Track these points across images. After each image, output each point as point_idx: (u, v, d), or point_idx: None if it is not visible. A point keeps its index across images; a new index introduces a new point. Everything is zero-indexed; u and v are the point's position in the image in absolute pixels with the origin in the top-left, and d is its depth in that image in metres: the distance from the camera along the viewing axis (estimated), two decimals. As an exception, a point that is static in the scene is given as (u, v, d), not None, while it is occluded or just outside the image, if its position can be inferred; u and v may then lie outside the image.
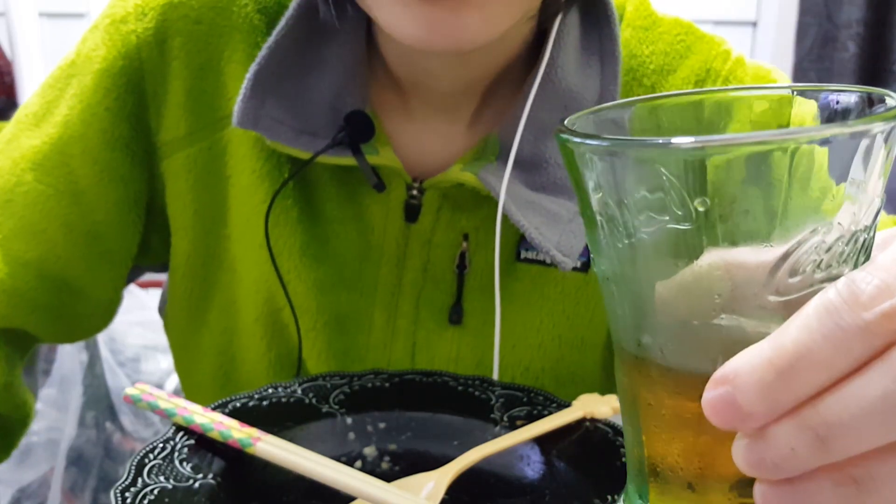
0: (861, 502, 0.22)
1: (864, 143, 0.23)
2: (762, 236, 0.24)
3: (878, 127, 0.23)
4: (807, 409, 0.21)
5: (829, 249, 0.24)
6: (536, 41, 0.57)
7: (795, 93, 0.28)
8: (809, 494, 0.22)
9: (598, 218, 0.26)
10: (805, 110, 0.28)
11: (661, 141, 0.23)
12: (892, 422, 0.20)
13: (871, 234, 0.25)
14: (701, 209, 0.23)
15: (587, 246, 0.58)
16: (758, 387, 0.21)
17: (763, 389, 0.21)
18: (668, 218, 0.24)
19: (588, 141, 0.25)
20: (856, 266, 0.24)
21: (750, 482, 0.24)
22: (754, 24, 1.87)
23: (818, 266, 0.24)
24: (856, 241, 0.24)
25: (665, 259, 0.25)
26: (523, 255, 0.59)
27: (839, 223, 0.24)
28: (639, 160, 0.24)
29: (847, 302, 0.21)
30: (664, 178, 0.24)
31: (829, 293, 0.21)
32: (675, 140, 0.23)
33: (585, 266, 0.59)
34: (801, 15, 1.80)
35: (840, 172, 0.23)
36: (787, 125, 0.28)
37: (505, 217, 0.55)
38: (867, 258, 0.25)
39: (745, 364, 0.21)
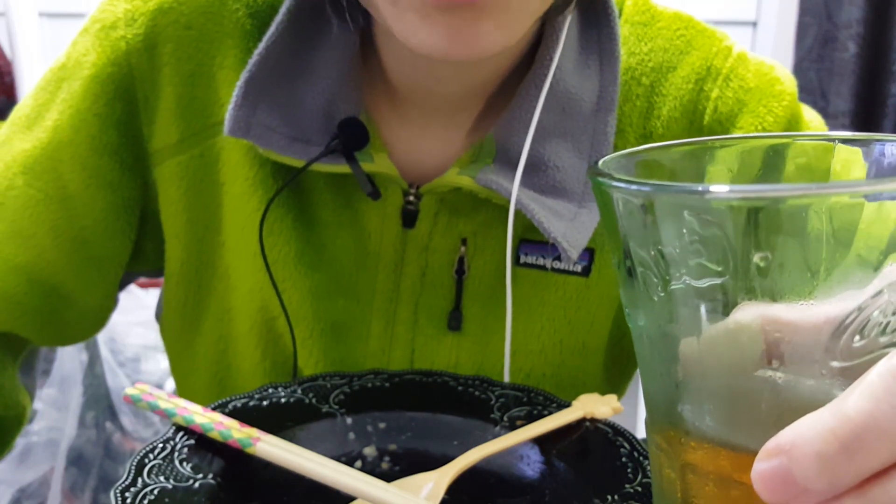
0: None
1: None
2: (803, 293, 0.22)
3: None
4: (873, 487, 0.19)
5: (895, 312, 0.22)
6: (534, 38, 0.56)
7: (837, 142, 0.27)
8: None
9: (634, 267, 0.25)
10: (850, 158, 0.27)
11: (702, 188, 0.22)
12: None
13: None
14: (762, 265, 0.22)
15: (588, 249, 0.58)
16: (817, 459, 0.19)
17: (823, 463, 0.19)
18: (708, 270, 0.23)
19: (627, 185, 0.24)
20: None
21: None
22: (754, 24, 1.87)
23: (883, 330, 0.22)
24: None
25: (703, 314, 0.24)
26: (523, 259, 0.58)
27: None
28: (682, 208, 0.23)
29: None
30: (706, 226, 0.22)
31: None
32: (720, 188, 0.21)
33: (586, 270, 0.58)
34: (801, 15, 1.79)
35: None
36: (829, 170, 0.27)
37: (502, 222, 0.55)
38: None
39: (803, 434, 0.19)
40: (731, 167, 0.29)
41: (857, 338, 0.22)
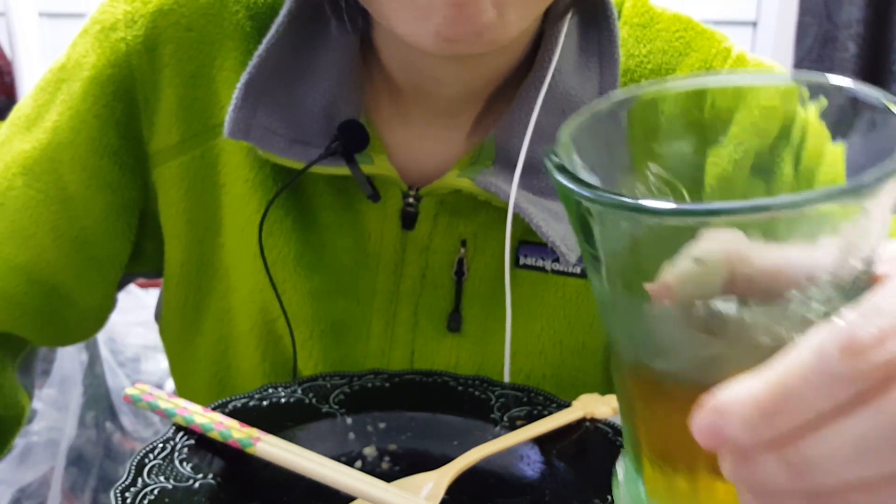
0: None
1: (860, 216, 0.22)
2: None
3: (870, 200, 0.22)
4: (788, 444, 0.22)
5: (822, 295, 0.23)
6: (533, 42, 0.57)
7: (803, 85, 0.27)
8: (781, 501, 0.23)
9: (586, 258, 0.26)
10: (812, 112, 0.27)
11: (646, 205, 0.22)
12: (868, 463, 0.21)
13: (871, 267, 0.24)
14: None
15: None
16: (743, 422, 0.22)
17: (746, 424, 0.22)
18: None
19: (566, 183, 0.24)
20: (854, 296, 0.24)
21: None
22: (754, 24, 1.87)
23: (808, 310, 0.24)
24: (855, 282, 0.24)
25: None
26: (522, 261, 0.58)
27: (832, 276, 0.23)
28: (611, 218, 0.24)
29: (842, 350, 0.21)
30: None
31: (825, 337, 0.21)
32: (655, 204, 0.22)
33: (585, 272, 0.59)
34: (801, 15, 1.80)
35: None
36: (793, 121, 0.27)
37: (501, 223, 0.55)
38: (866, 286, 0.24)
39: (733, 399, 0.22)
40: (700, 111, 0.29)
41: (784, 321, 0.24)
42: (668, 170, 0.28)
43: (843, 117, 0.26)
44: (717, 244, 0.24)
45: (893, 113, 0.24)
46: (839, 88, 0.26)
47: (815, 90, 0.27)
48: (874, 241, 0.24)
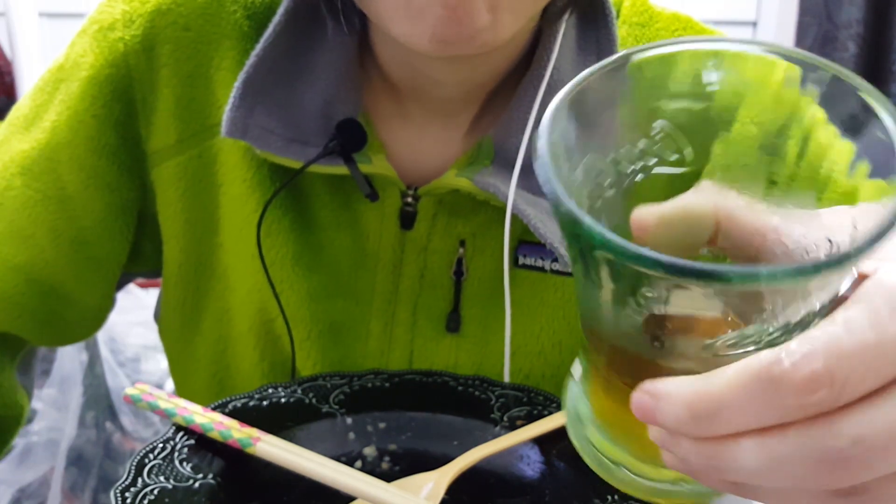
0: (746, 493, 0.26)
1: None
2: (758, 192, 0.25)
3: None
4: (709, 444, 0.24)
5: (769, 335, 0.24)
6: (531, 41, 0.56)
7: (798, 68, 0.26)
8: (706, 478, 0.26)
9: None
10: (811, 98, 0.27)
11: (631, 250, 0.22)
12: (781, 478, 0.24)
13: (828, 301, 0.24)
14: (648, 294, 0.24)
15: None
16: (673, 415, 0.24)
17: (677, 419, 0.24)
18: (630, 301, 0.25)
19: (555, 200, 0.24)
20: (808, 324, 0.24)
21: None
22: (754, 24, 1.87)
23: (756, 342, 0.25)
24: (802, 322, 0.24)
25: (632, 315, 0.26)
26: (521, 261, 0.58)
27: (784, 321, 0.24)
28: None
29: (777, 383, 0.23)
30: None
31: (766, 365, 0.23)
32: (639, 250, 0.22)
33: None
34: (801, 15, 1.80)
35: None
36: (803, 106, 0.26)
37: (500, 223, 0.55)
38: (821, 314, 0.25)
39: (671, 393, 0.24)
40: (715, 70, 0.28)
41: (731, 348, 0.25)
42: (676, 127, 0.28)
43: (837, 105, 0.25)
44: (708, 195, 0.24)
45: (878, 115, 0.24)
46: (839, 80, 0.25)
47: (809, 70, 0.26)
48: (843, 285, 0.24)
